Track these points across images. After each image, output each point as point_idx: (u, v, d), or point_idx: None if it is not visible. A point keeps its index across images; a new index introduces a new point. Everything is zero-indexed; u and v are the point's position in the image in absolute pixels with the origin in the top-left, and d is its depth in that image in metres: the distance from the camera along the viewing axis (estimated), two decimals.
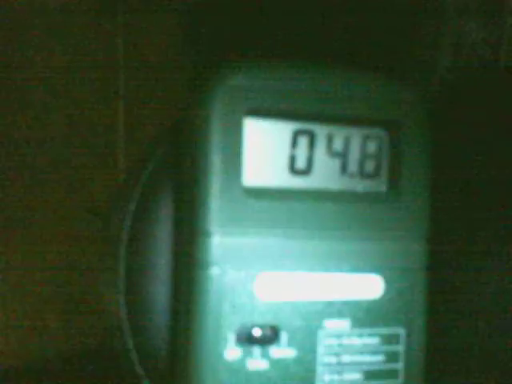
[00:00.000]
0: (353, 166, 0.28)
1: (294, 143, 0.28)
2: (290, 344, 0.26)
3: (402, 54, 0.35)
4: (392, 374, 0.28)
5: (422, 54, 0.35)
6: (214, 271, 0.25)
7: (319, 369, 0.27)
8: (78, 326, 0.52)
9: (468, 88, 0.32)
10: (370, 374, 0.28)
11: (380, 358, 0.28)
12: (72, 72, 0.50)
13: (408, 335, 0.28)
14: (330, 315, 0.27)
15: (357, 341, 0.27)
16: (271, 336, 0.26)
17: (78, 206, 0.52)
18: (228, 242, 0.26)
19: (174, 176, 0.28)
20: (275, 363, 0.26)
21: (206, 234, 0.25)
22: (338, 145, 0.28)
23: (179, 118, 0.29)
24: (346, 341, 0.27)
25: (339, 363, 0.27)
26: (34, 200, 0.51)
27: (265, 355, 0.26)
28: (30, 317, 0.52)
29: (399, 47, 0.35)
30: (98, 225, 0.45)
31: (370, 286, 0.27)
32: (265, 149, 0.27)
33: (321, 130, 0.28)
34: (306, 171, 0.28)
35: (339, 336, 0.27)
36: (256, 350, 0.26)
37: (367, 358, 0.28)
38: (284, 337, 0.26)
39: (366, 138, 0.28)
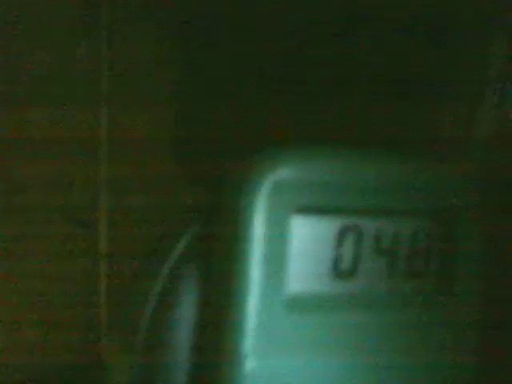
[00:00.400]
0: (401, 265, 0.26)
1: (339, 242, 0.24)
2: None
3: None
4: None
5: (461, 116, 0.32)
6: None
7: None
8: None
9: None
10: None
11: None
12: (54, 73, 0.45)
13: None
14: None
15: None
16: None
17: (59, 215, 0.48)
18: (267, 367, 0.23)
19: (202, 288, 0.24)
20: None
21: (239, 358, 0.22)
22: (385, 241, 0.25)
23: (216, 199, 0.24)
24: None
25: None
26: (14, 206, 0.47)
27: None
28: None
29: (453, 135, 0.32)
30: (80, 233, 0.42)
31: None
32: (308, 249, 0.24)
33: (368, 226, 0.25)
34: (351, 273, 0.25)
35: None
36: None
37: None
38: None
39: (415, 231, 0.26)
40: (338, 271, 0.25)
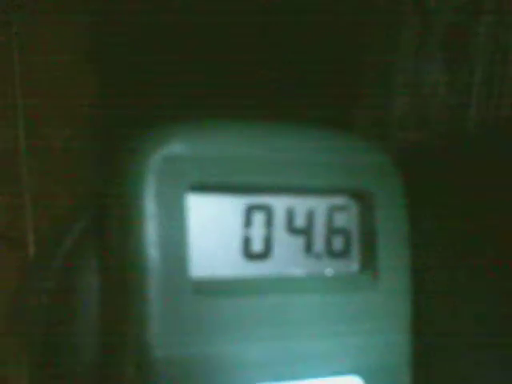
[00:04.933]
0: (318, 244, 0.24)
1: (248, 221, 0.23)
2: None
3: (349, 100, 0.31)
4: None
5: (373, 99, 0.31)
6: None
7: None
8: None
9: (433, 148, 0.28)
10: None
11: None
12: None
13: None
14: None
15: None
16: None
17: None
18: (173, 355, 0.20)
19: (100, 272, 0.22)
20: None
21: (145, 347, 0.20)
22: (299, 220, 0.23)
23: (102, 191, 0.23)
24: None
25: None
26: None
27: None
28: None
29: (345, 92, 0.31)
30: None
31: None
32: (213, 231, 0.22)
33: (278, 204, 0.23)
34: (264, 255, 0.23)
35: None
36: None
37: None
38: None
39: (332, 210, 0.24)
40: (249, 253, 0.23)
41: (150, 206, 0.21)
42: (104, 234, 0.22)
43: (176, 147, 0.21)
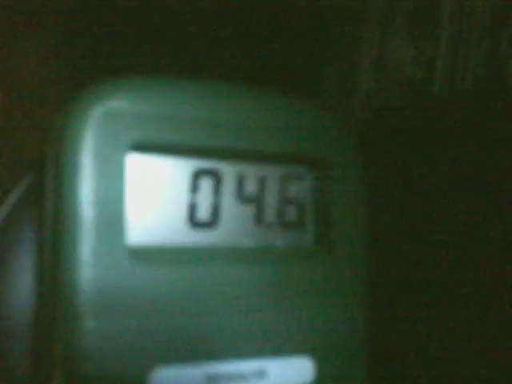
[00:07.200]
0: (270, 215, 0.22)
1: (195, 187, 0.21)
2: None
3: (316, 74, 0.30)
4: None
5: (339, 73, 0.29)
6: (88, 372, 0.18)
7: None
8: None
9: (397, 118, 0.27)
10: None
11: None
12: None
13: None
14: None
15: None
16: None
17: None
18: (107, 327, 0.19)
19: (37, 232, 0.20)
20: None
21: (75, 318, 0.18)
22: (250, 187, 0.22)
23: (44, 147, 0.21)
24: None
25: None
26: None
27: None
28: None
29: (312, 66, 0.30)
30: None
31: (298, 372, 0.21)
32: (155, 195, 0.20)
33: (228, 170, 0.21)
34: (211, 223, 0.21)
35: None
36: None
37: None
38: None
39: (285, 179, 0.22)
40: (194, 221, 0.21)
41: (87, 163, 0.19)
42: (41, 198, 0.20)
43: (117, 103, 0.19)
